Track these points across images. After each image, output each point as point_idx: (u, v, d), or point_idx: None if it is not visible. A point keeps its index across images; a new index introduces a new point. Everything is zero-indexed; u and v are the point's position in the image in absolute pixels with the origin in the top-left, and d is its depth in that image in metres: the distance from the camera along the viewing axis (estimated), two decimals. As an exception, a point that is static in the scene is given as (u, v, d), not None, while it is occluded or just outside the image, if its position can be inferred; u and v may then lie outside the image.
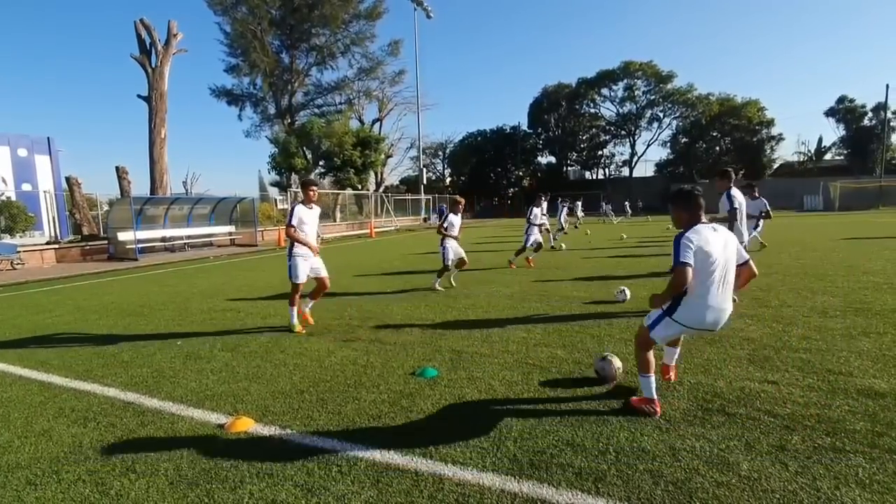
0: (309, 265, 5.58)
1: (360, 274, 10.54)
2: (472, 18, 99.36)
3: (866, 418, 2.92)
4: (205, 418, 3.29)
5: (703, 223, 2.97)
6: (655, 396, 3.08)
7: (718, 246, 2.88)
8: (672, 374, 3.61)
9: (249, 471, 2.58)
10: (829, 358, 3.99)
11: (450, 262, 8.07)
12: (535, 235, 10.65)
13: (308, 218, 5.48)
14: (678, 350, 3.61)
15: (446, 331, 5.37)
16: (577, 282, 8.27)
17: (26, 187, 26.69)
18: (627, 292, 6.55)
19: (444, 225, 8.12)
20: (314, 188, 5.59)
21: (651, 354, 3.14)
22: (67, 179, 19.73)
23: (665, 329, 3.05)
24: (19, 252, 14.45)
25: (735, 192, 5.78)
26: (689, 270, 2.80)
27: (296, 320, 5.59)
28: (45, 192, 22.34)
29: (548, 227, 11.28)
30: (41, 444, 3.01)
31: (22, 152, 28.55)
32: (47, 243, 17.30)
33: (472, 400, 3.42)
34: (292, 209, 5.47)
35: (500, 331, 5.27)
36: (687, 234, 2.88)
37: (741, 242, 5.84)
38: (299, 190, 5.69)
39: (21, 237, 18.40)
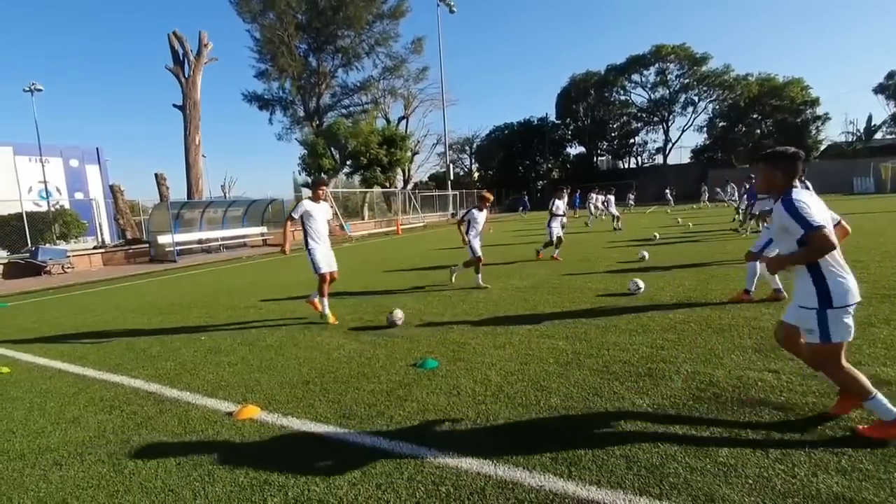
0: (325, 256, 5.87)
1: (380, 270, 10.77)
2: (494, 11, 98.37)
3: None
4: (216, 406, 3.53)
5: (797, 187, 2.61)
6: None
7: (823, 206, 2.61)
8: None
9: (249, 453, 2.78)
10: (841, 346, 3.86)
11: (479, 254, 7.62)
12: (557, 229, 10.40)
13: (316, 212, 5.81)
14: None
15: (454, 324, 5.48)
16: (593, 274, 8.20)
17: (78, 196, 28.47)
18: (641, 284, 6.42)
19: (466, 218, 7.58)
20: (323, 188, 5.97)
21: (852, 369, 2.53)
22: (111, 187, 20.95)
23: (837, 324, 2.47)
24: (69, 257, 15.51)
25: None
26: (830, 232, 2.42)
27: (328, 310, 5.97)
28: (93, 199, 23.82)
29: (565, 221, 10.99)
30: (70, 430, 3.32)
31: (73, 163, 30.50)
32: (94, 248, 18.44)
33: (466, 389, 3.52)
34: (297, 202, 5.93)
35: (506, 323, 5.34)
36: (795, 197, 2.49)
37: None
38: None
39: (75, 242, 19.75)
